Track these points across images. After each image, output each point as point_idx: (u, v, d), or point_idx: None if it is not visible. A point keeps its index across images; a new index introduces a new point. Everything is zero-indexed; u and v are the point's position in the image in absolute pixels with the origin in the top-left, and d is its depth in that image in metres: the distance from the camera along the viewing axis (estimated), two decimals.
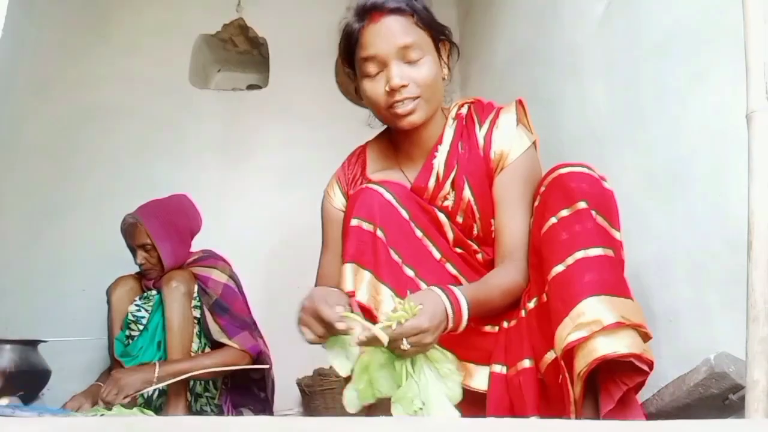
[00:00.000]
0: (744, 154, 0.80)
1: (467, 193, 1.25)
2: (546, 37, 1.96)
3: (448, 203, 1.25)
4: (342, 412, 0.98)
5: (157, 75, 2.88)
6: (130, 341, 1.93)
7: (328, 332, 0.99)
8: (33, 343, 1.94)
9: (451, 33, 1.30)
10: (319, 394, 2.19)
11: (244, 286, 2.10)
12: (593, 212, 1.03)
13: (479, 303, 1.06)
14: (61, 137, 2.73)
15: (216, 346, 1.92)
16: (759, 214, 0.76)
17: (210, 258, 2.09)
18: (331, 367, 2.21)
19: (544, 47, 1.97)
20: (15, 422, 0.73)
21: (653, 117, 1.39)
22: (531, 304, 1.11)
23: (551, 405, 1.02)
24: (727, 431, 0.67)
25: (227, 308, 1.95)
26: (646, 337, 0.97)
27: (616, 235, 1.05)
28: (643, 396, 1.09)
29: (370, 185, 1.20)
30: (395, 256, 1.13)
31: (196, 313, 1.92)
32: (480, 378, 1.12)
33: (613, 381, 0.95)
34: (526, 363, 1.07)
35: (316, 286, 1.32)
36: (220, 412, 1.92)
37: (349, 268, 1.11)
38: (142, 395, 1.82)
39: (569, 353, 0.96)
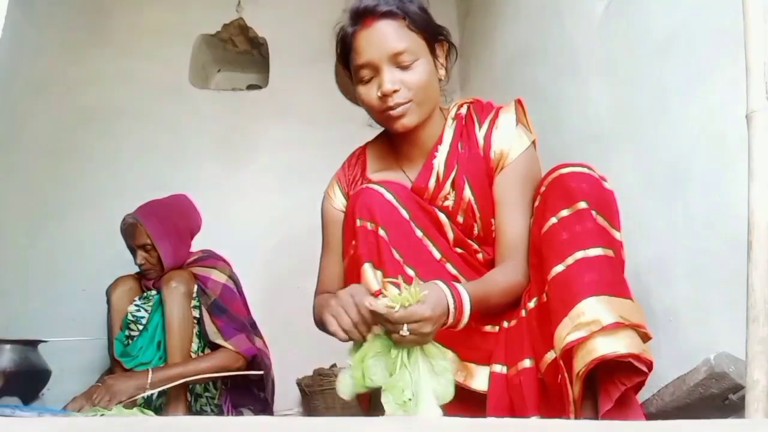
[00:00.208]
0: (744, 154, 0.80)
1: (467, 193, 1.25)
2: (546, 37, 1.96)
3: (449, 203, 1.26)
4: (342, 412, 0.98)
5: (157, 75, 2.88)
6: (130, 341, 1.92)
7: (361, 324, 0.98)
8: (33, 343, 1.94)
9: (448, 33, 1.30)
10: (319, 394, 2.18)
11: (244, 287, 2.10)
12: (593, 212, 1.03)
13: (480, 300, 1.06)
14: (61, 137, 2.72)
15: (213, 346, 1.92)
16: (759, 214, 0.76)
17: (210, 258, 2.09)
18: (331, 367, 2.23)
19: (544, 47, 1.97)
20: (15, 422, 0.73)
21: (653, 117, 1.39)
22: (531, 304, 1.11)
23: (552, 405, 1.02)
24: (727, 431, 0.67)
25: (225, 309, 1.95)
26: (645, 337, 0.97)
27: (617, 235, 1.05)
28: (643, 396, 1.09)
29: (371, 185, 1.20)
30: (396, 256, 1.13)
31: (196, 313, 1.92)
32: (481, 378, 1.12)
33: (612, 381, 0.95)
34: (527, 363, 1.07)
35: (318, 287, 1.32)
36: (220, 412, 1.92)
37: (368, 268, 1.12)
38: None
39: (568, 353, 0.96)
